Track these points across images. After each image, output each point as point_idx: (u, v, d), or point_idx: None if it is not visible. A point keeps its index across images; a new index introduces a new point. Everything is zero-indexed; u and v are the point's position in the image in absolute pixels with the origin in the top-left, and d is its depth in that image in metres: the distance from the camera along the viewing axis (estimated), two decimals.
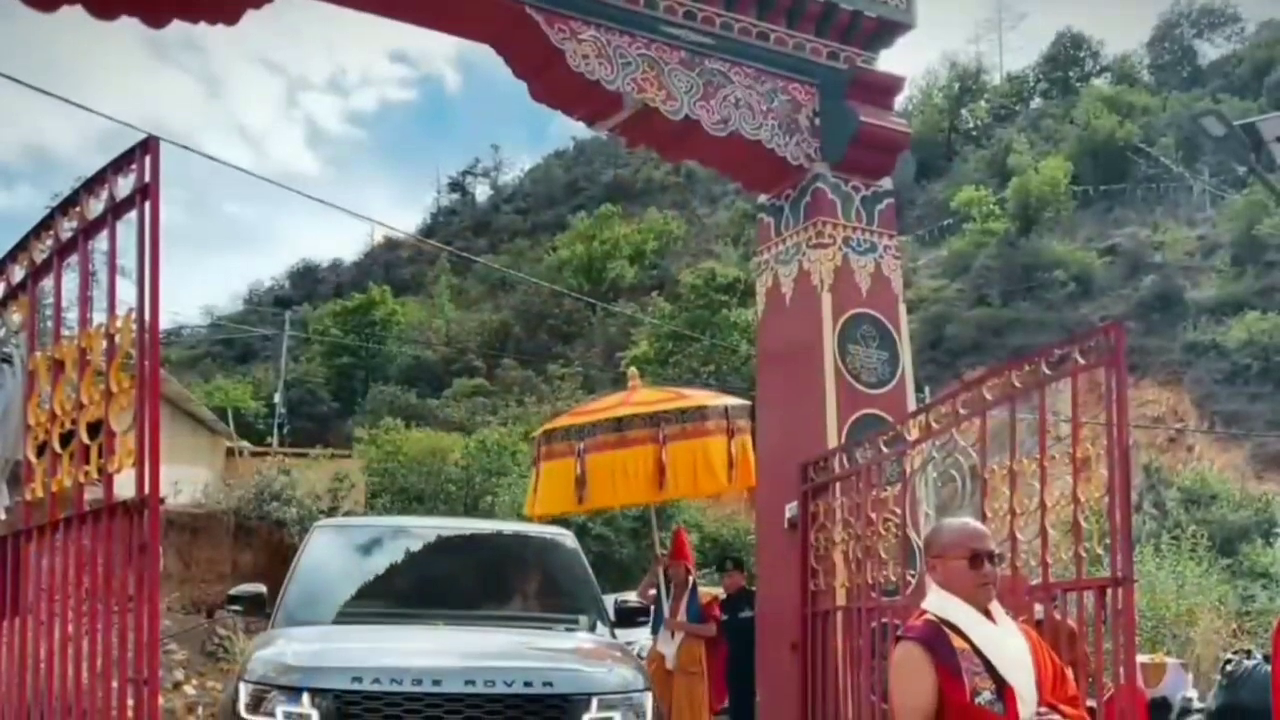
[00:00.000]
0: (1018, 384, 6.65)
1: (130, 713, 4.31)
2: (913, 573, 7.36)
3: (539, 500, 10.50)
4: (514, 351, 46.03)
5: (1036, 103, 64.29)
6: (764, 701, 8.35)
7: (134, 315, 4.53)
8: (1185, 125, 49.42)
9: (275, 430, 29.75)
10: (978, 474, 6.80)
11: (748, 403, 10.06)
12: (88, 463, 4.65)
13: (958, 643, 3.61)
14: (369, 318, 46.43)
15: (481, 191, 77.31)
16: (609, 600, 7.69)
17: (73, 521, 4.69)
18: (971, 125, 64.42)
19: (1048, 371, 6.48)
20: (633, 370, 11.63)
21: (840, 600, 7.67)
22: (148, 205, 4.59)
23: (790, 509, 8.03)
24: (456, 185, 77.65)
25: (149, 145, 4.67)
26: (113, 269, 4.77)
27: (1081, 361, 6.33)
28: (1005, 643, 3.68)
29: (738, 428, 9.54)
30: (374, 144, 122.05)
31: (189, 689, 10.36)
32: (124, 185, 4.74)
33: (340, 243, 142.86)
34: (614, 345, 44.73)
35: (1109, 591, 6.01)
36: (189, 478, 15.55)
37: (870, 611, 7.40)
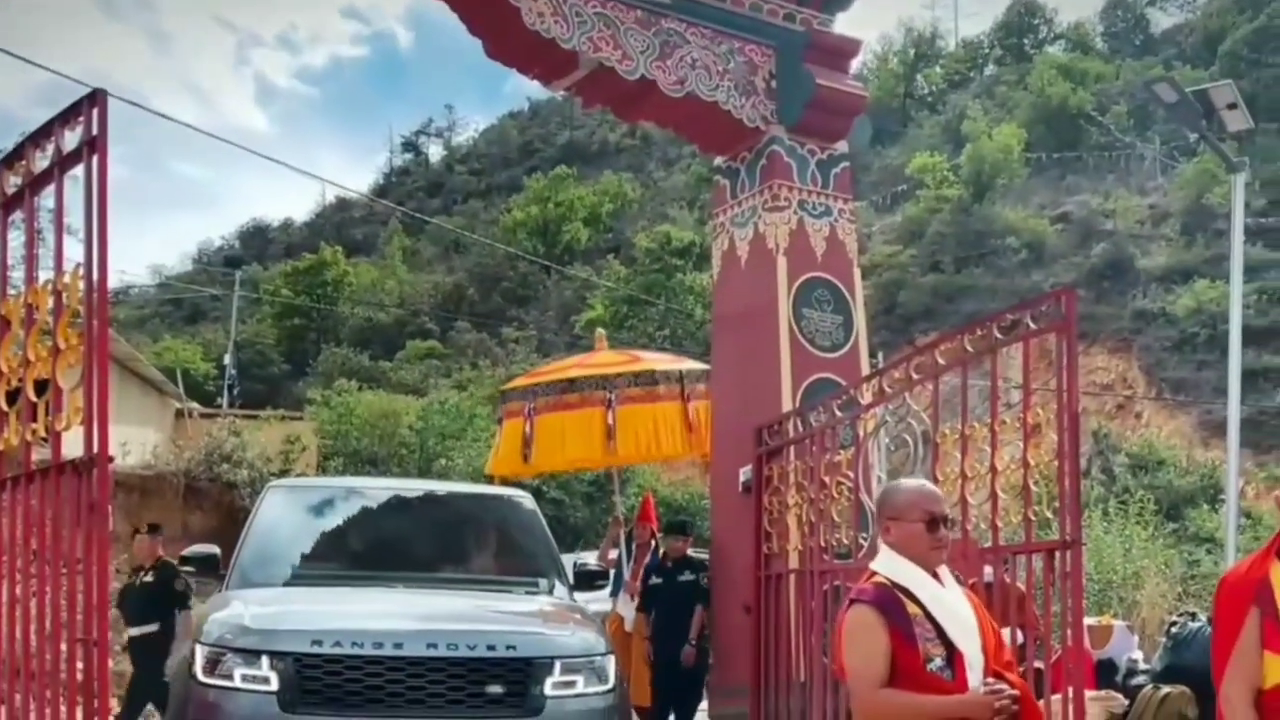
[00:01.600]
0: (970, 349, 6.69)
1: (79, 675, 4.27)
2: (865, 536, 7.41)
3: (497, 460, 10.48)
4: (468, 314, 45.81)
5: (991, 69, 64.49)
6: (717, 663, 8.42)
7: (81, 271, 4.46)
8: (1138, 93, 49.83)
9: (225, 392, 29.41)
10: (930, 438, 6.85)
11: (707, 367, 10.06)
12: (35, 421, 4.57)
13: (910, 607, 3.54)
14: (320, 278, 45.97)
15: (435, 152, 76.83)
16: (568, 561, 7.66)
17: (20, 481, 4.61)
18: (927, 91, 64.59)
19: (999, 336, 6.53)
20: (599, 331, 11.60)
21: (793, 563, 7.71)
22: (95, 159, 4.51)
23: (744, 473, 8.06)
24: (410, 145, 77.08)
25: (96, 98, 4.57)
26: (59, 223, 4.68)
27: (1033, 326, 6.38)
28: (955, 608, 3.62)
29: (695, 393, 9.51)
30: (325, 102, 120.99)
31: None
32: (71, 139, 4.65)
33: (291, 202, 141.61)
34: (569, 309, 44.66)
35: (1057, 554, 6.09)
36: (137, 439, 15.37)
37: (823, 574, 7.45)
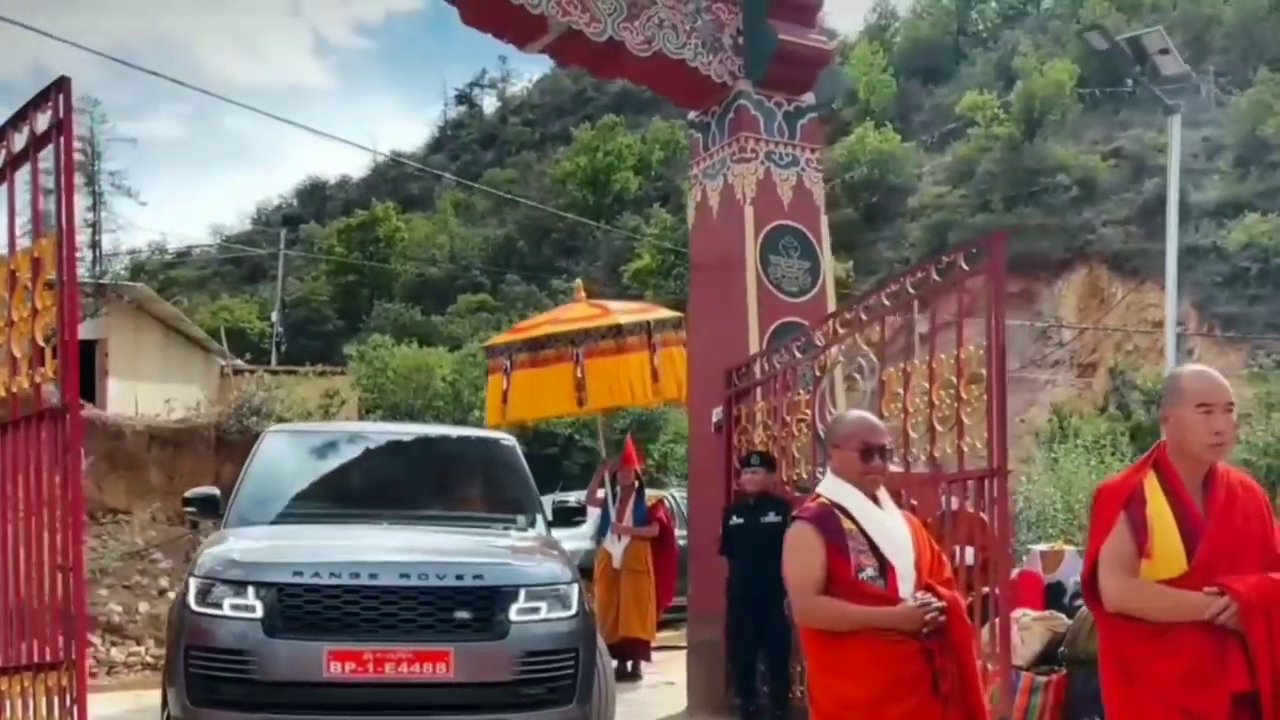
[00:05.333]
0: (911, 290, 7.05)
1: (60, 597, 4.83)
2: (822, 471, 7.80)
3: (490, 412, 11.17)
4: (518, 266, 46.33)
5: (1047, 3, 63.32)
6: (694, 594, 8.88)
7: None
8: (1193, 24, 48.86)
9: (274, 349, 30.23)
10: (878, 376, 7.22)
11: (676, 315, 10.56)
12: (19, 374, 5.12)
13: (846, 524, 3.95)
14: (373, 235, 46.64)
15: (489, 103, 77.13)
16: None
17: (6, 428, 5.17)
18: (981, 27, 63.61)
19: (937, 278, 6.88)
20: (577, 282, 12.16)
21: None
22: (61, 140, 5.02)
23: (716, 413, 8.49)
24: (464, 97, 77.43)
25: (62, 84, 5.07)
26: (36, 197, 5.18)
27: (966, 269, 6.72)
28: (889, 526, 4.03)
29: (661, 341, 10.02)
30: (381, 54, 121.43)
31: (174, 596, 10.89)
32: (42, 121, 5.15)
33: (348, 158, 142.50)
34: (618, 258, 44.97)
35: (986, 481, 6.47)
36: (183, 396, 16.13)
37: None
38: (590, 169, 50.70)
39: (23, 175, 5.30)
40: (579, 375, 10.59)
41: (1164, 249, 39.14)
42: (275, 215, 64.21)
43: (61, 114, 5.01)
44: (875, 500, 4.07)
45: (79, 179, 42.18)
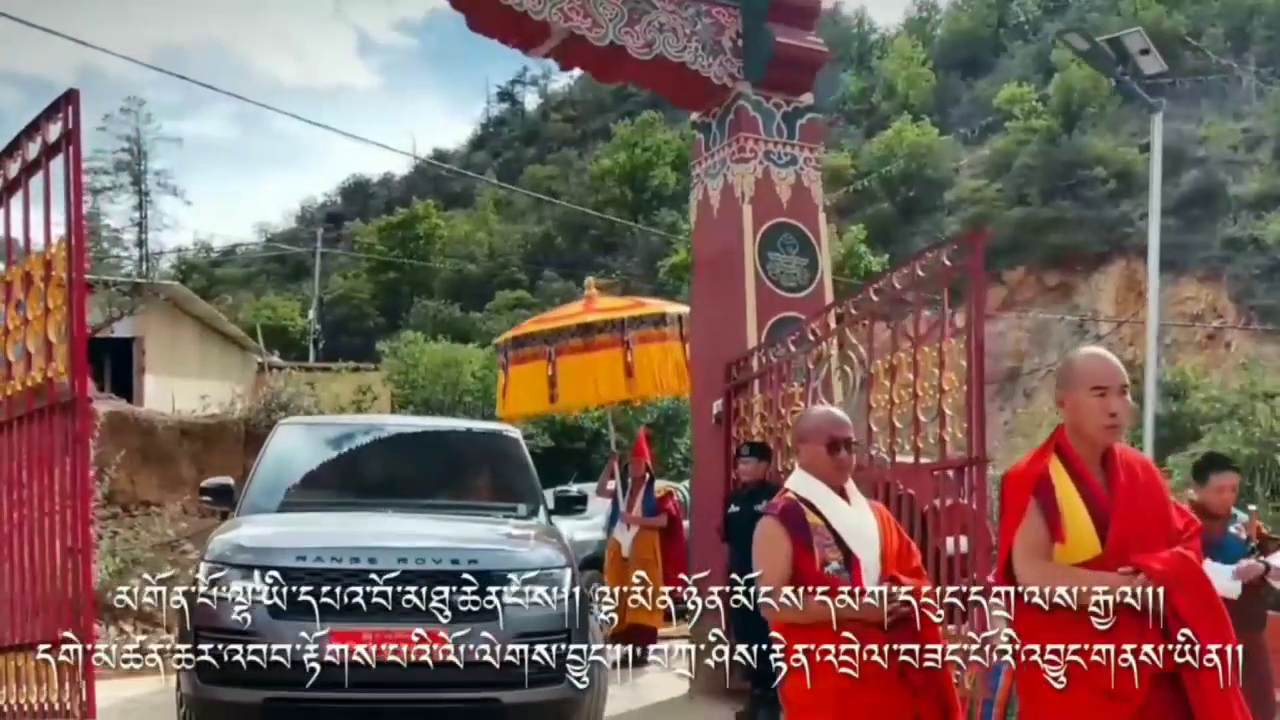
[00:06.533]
0: (898, 285, 7.25)
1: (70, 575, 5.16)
2: None
3: (514, 401, 11.45)
4: (556, 263, 46.66)
5: None
6: (696, 581, 9.08)
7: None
8: (1235, 15, 48.37)
9: (312, 346, 30.72)
10: (867, 370, 7.43)
11: (654, 310, 10.83)
12: (32, 370, 5.44)
13: (812, 518, 4.09)
14: (413, 232, 47.08)
15: (531, 100, 77.57)
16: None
17: (22, 420, 5.50)
18: (1022, 19, 63.19)
19: (920, 274, 7.07)
20: (589, 280, 12.43)
21: None
22: (70, 149, 5.34)
23: (716, 406, 8.72)
24: (506, 94, 77.94)
25: (71, 96, 5.39)
26: (47, 204, 5.51)
27: (949, 264, 6.91)
28: (855, 519, 4.17)
29: (636, 338, 10.31)
30: (425, 52, 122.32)
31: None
32: (53, 131, 5.48)
33: (392, 156, 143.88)
34: (655, 254, 45.18)
35: (965, 470, 6.66)
36: (218, 391, 16.55)
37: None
38: (629, 165, 50.91)
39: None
40: (550, 373, 10.95)
41: (1205, 241, 39.05)
42: (319, 213, 64.95)
43: (70, 125, 5.33)
44: (843, 493, 4.20)
45: (125, 178, 42.99)
